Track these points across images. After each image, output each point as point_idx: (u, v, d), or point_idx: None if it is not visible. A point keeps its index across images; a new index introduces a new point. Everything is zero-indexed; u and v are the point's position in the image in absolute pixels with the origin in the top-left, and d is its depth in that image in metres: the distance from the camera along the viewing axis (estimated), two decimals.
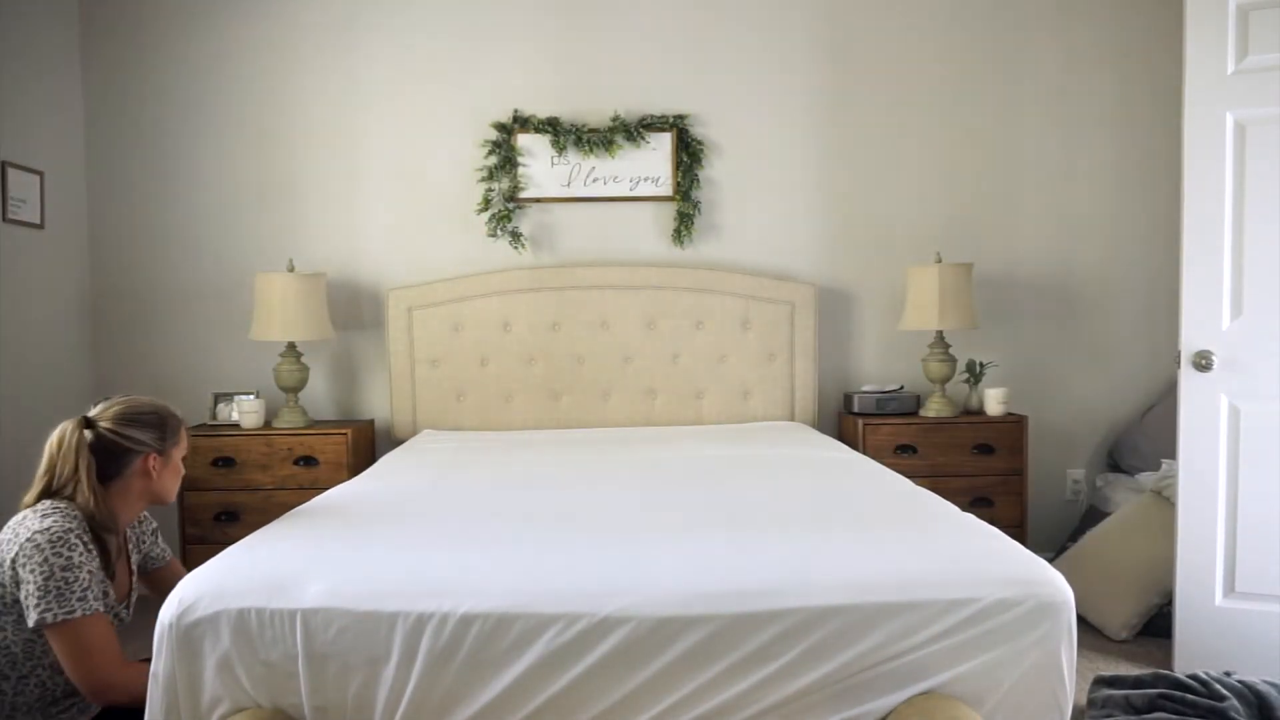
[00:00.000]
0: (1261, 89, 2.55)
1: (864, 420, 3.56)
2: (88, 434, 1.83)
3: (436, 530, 1.99)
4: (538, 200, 3.78)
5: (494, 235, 3.76)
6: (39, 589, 1.66)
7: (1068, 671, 1.65)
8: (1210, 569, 2.65)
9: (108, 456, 1.84)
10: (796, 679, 1.59)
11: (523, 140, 3.75)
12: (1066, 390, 3.90)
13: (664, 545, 1.83)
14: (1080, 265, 3.88)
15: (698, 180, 3.80)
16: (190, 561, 3.23)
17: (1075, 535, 3.61)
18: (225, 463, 3.41)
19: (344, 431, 3.46)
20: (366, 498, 2.37)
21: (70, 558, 1.69)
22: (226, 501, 3.41)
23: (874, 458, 3.30)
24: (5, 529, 1.77)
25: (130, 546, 1.99)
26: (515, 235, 3.75)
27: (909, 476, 2.65)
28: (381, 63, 3.77)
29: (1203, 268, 2.64)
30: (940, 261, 3.60)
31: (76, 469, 1.79)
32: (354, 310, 3.82)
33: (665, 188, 3.79)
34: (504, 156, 3.74)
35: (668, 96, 3.80)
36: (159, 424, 1.92)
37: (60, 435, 1.82)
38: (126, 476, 1.88)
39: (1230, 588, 2.65)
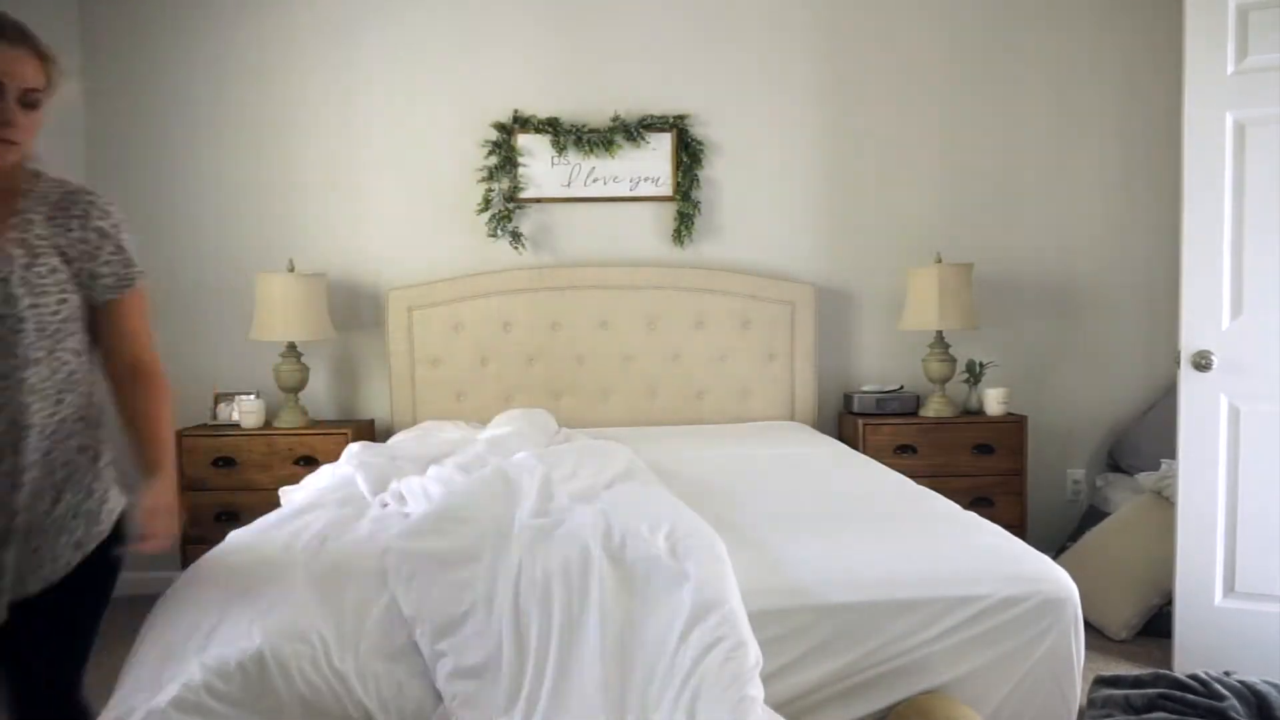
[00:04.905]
0: (1261, 89, 2.55)
1: (864, 420, 3.56)
2: None
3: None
4: (538, 200, 3.78)
5: (494, 235, 3.76)
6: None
7: (1077, 664, 1.66)
8: (1210, 569, 2.65)
9: None
10: (803, 676, 1.60)
11: (523, 140, 3.75)
12: (1066, 390, 3.90)
13: None
14: (1080, 265, 3.88)
15: (698, 180, 3.80)
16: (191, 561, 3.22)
17: (1075, 535, 3.61)
18: (226, 462, 3.42)
19: (344, 431, 3.46)
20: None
21: None
22: (227, 501, 3.41)
23: (874, 458, 3.30)
24: None
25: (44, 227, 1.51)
26: (515, 235, 3.75)
27: (909, 476, 2.65)
28: (382, 63, 3.77)
29: (1203, 267, 2.64)
30: (940, 261, 3.60)
31: None
32: (354, 310, 3.82)
33: (665, 188, 3.79)
34: (504, 157, 3.74)
35: (668, 96, 3.80)
36: None
37: None
38: None
39: (1230, 588, 2.65)
